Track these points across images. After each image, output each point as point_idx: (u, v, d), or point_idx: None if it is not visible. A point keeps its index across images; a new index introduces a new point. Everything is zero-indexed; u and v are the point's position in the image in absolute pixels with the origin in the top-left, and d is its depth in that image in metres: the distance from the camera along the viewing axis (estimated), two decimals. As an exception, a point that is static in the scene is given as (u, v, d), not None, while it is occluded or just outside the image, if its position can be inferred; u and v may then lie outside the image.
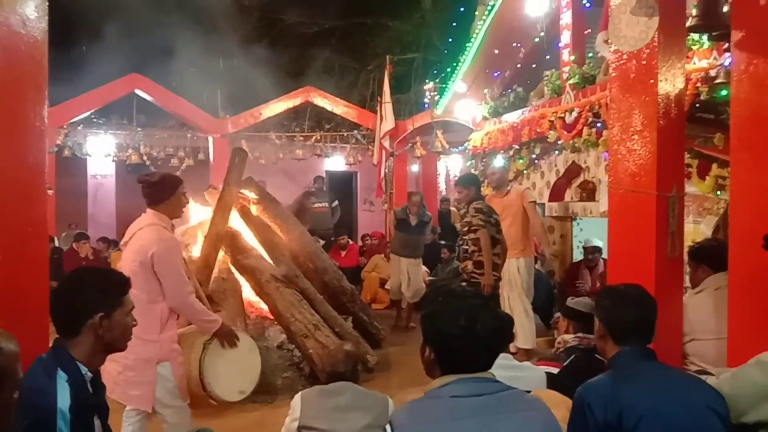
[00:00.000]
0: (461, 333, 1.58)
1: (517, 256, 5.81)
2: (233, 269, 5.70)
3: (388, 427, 1.56)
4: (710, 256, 3.28)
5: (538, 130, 6.46)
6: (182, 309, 3.33)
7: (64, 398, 1.81)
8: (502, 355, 1.72)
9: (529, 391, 1.96)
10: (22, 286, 2.39)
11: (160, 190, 3.37)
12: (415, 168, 12.48)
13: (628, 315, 2.07)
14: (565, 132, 5.91)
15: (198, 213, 6.24)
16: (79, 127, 10.56)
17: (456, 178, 7.34)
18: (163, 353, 3.19)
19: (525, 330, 5.65)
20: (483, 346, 1.60)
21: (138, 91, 10.29)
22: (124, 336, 2.08)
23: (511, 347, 5.01)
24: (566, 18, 6.64)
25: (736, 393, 1.95)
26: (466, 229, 5.44)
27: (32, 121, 2.44)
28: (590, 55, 6.54)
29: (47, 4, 2.50)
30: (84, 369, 1.93)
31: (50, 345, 2.02)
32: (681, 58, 3.06)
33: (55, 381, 1.83)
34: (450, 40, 13.86)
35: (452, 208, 11.39)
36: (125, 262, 3.25)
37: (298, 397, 2.79)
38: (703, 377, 2.14)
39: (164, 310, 3.21)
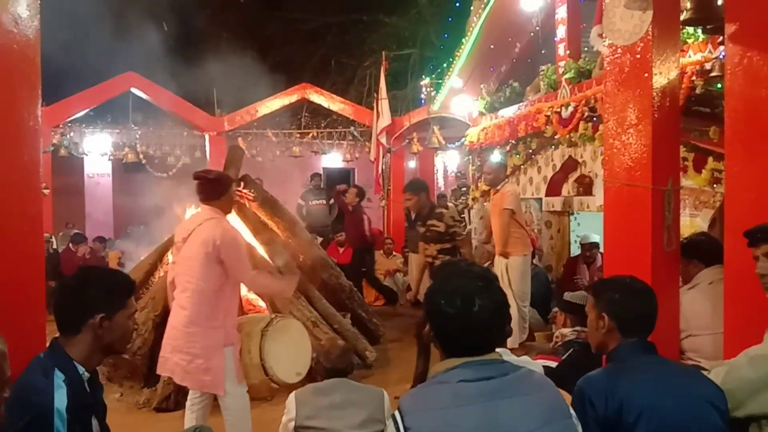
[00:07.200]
0: (457, 314, 1.54)
1: (503, 255, 5.70)
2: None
3: (396, 412, 1.53)
4: (701, 251, 3.27)
5: (535, 125, 6.44)
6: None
7: (61, 398, 1.80)
8: (500, 350, 1.69)
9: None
10: (18, 285, 2.39)
11: None
12: (412, 164, 12.48)
13: (638, 307, 2.06)
14: (562, 127, 5.90)
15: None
16: (75, 127, 10.53)
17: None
18: (228, 338, 3.30)
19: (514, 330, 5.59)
20: (479, 329, 1.56)
21: (134, 90, 10.27)
22: (124, 338, 2.05)
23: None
24: (561, 12, 6.64)
25: (728, 388, 1.95)
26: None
27: (26, 120, 2.43)
28: (586, 49, 6.54)
29: (39, 2, 2.49)
30: (81, 369, 1.91)
31: (47, 344, 2.01)
32: (676, 52, 3.05)
33: (53, 380, 1.82)
34: (446, 35, 13.86)
35: (450, 204, 11.39)
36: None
37: (292, 396, 2.76)
38: (698, 371, 2.14)
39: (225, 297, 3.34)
